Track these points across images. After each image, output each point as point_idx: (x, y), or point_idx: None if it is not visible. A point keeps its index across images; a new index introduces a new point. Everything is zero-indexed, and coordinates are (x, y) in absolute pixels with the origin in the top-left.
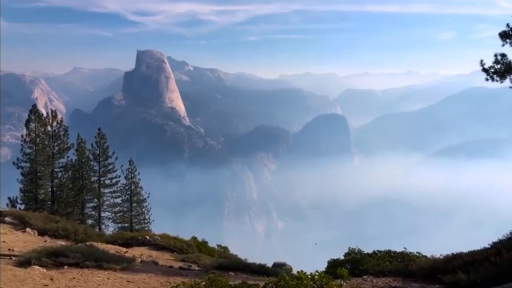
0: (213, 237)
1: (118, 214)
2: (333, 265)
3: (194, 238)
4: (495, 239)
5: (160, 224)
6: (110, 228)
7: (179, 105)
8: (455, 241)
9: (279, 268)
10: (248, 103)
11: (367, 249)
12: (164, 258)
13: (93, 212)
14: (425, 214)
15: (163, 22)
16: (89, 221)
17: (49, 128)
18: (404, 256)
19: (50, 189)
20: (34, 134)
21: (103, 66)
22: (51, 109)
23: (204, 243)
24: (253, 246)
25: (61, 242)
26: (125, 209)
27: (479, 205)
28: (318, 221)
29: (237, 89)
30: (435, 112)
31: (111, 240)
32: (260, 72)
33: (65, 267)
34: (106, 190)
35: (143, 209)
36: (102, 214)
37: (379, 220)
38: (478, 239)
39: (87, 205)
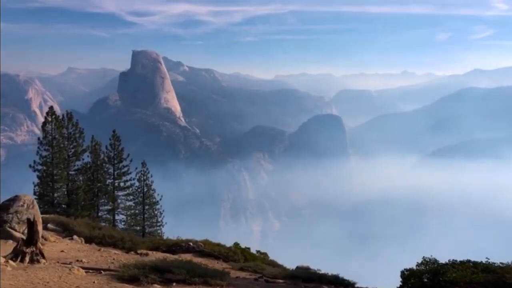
0: (209, 238)
1: (132, 217)
2: (409, 276)
3: (236, 244)
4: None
5: None
6: None
7: (175, 106)
8: (452, 241)
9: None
10: (244, 104)
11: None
12: (220, 267)
13: (108, 215)
14: (422, 214)
15: (160, 22)
16: (104, 224)
17: (64, 130)
18: (487, 267)
19: (66, 192)
20: (50, 137)
21: (99, 66)
22: (66, 110)
23: (247, 249)
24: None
25: (115, 251)
26: (137, 211)
27: (476, 205)
28: (314, 221)
29: (233, 89)
30: (431, 113)
31: (154, 247)
32: (256, 73)
33: (173, 284)
34: (120, 193)
35: (156, 212)
36: (116, 217)
37: (377, 220)
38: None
39: (101, 208)
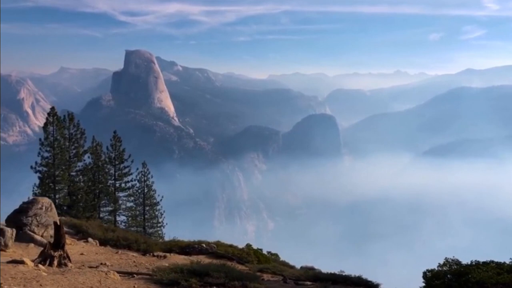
0: (204, 238)
1: (132, 218)
2: (432, 277)
3: (249, 246)
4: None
5: None
6: None
7: (168, 106)
8: (446, 240)
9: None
10: (237, 104)
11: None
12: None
13: (109, 217)
14: (416, 214)
15: (153, 22)
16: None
17: (65, 131)
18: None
19: (67, 193)
20: (52, 138)
21: (91, 66)
22: (67, 111)
23: (259, 250)
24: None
25: (132, 254)
26: (137, 212)
27: (470, 204)
28: (308, 221)
29: (226, 89)
30: (423, 112)
31: (167, 249)
32: (249, 73)
33: (214, 287)
34: (121, 194)
35: (156, 213)
36: (117, 218)
37: (371, 219)
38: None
39: (103, 209)
